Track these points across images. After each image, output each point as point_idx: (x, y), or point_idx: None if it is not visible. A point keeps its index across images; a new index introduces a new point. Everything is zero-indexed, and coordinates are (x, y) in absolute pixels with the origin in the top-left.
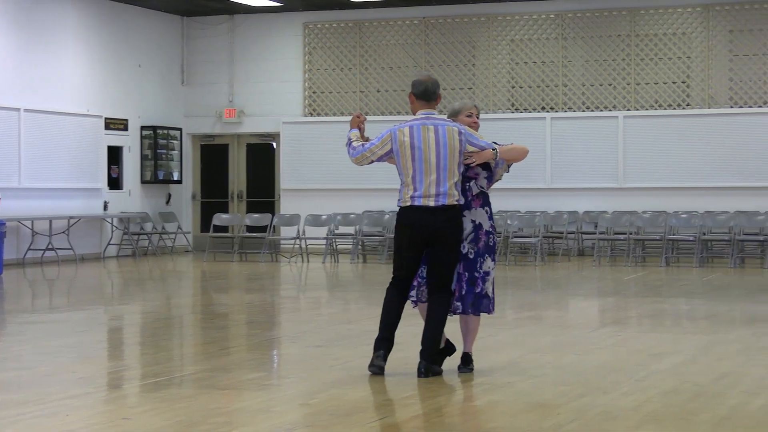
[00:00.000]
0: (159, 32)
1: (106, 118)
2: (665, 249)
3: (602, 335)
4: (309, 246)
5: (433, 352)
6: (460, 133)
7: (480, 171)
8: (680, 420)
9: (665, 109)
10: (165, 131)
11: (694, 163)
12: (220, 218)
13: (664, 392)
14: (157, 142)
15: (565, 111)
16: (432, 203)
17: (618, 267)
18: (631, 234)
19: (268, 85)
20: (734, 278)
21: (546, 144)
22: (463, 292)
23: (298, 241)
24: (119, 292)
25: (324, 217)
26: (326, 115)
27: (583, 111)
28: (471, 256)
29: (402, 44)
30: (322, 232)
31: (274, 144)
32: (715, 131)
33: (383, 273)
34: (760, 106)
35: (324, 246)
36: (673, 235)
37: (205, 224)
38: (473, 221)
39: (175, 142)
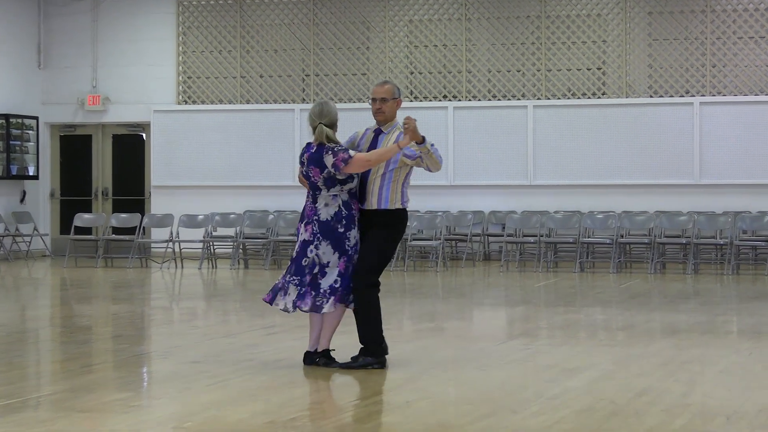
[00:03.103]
0: (12, 10)
1: None
2: (579, 253)
3: (510, 348)
4: (183, 250)
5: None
6: None
7: None
8: None
9: (579, 98)
10: (19, 120)
11: (611, 158)
12: (82, 218)
13: (578, 411)
14: (9, 132)
15: (469, 100)
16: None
17: (527, 273)
18: (541, 236)
19: (136, 70)
20: (654, 285)
21: (448, 136)
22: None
23: (171, 245)
24: None
25: (200, 217)
26: (203, 102)
27: (489, 100)
28: None
29: (288, 24)
30: (199, 234)
31: (144, 135)
32: (633, 123)
33: (267, 280)
34: (682, 96)
35: (200, 250)
36: (588, 237)
37: (66, 225)
38: None
39: (30, 132)
